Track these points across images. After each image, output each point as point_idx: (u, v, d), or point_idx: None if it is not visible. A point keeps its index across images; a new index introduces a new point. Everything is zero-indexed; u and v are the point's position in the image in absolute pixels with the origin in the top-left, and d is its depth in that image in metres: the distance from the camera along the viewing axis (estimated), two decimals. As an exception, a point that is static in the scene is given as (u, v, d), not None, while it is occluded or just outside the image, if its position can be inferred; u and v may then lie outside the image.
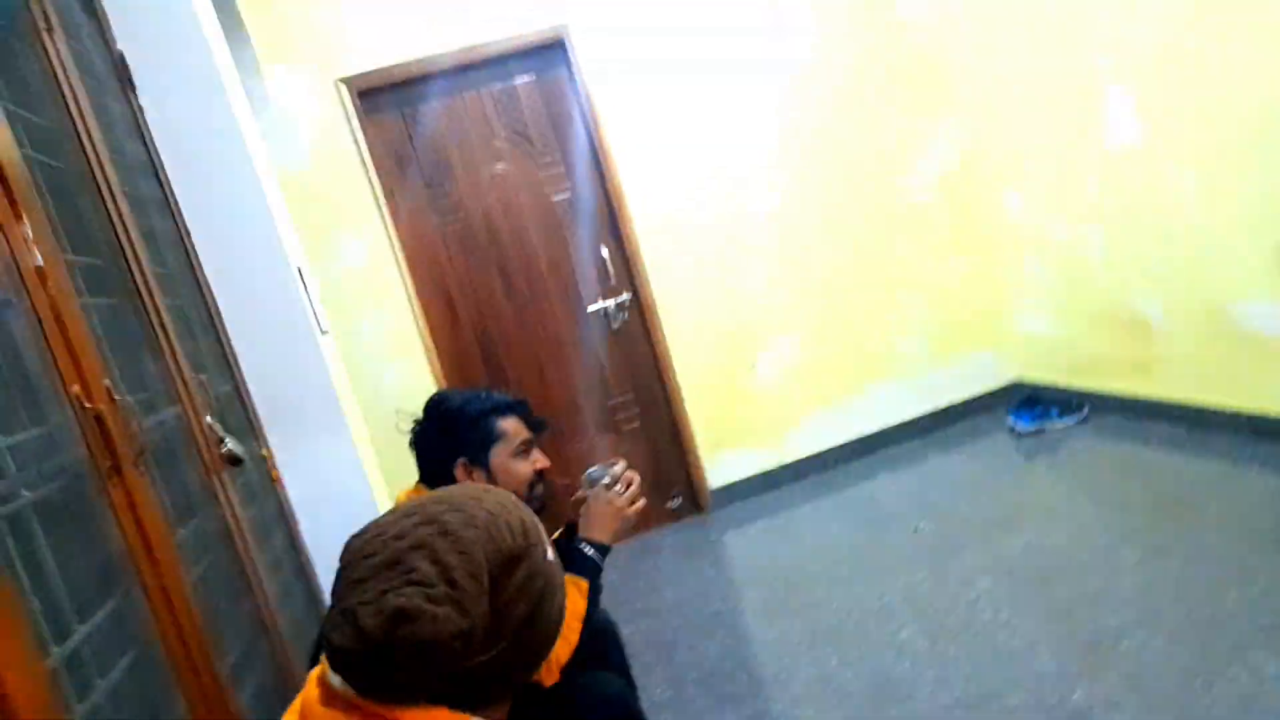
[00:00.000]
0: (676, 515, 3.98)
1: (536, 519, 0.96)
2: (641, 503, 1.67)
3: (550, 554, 0.95)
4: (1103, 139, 3.33)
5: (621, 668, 1.81)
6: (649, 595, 3.27)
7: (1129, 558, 2.56)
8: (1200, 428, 3.27)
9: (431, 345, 3.61)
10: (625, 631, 2.96)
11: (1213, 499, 2.77)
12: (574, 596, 1.57)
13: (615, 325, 3.82)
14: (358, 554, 0.87)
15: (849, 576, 2.96)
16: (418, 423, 1.73)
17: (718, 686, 2.52)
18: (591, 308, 3.79)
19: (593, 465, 1.69)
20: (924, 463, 3.85)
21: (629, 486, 1.66)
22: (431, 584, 0.81)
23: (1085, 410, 3.78)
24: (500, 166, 3.68)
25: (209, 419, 1.67)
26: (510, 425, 1.69)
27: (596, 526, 1.62)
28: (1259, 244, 2.86)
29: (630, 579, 3.47)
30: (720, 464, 3.97)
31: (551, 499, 1.77)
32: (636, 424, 3.90)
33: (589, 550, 1.60)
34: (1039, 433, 3.78)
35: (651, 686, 2.60)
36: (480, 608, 0.83)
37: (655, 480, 3.94)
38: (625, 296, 3.81)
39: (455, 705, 0.84)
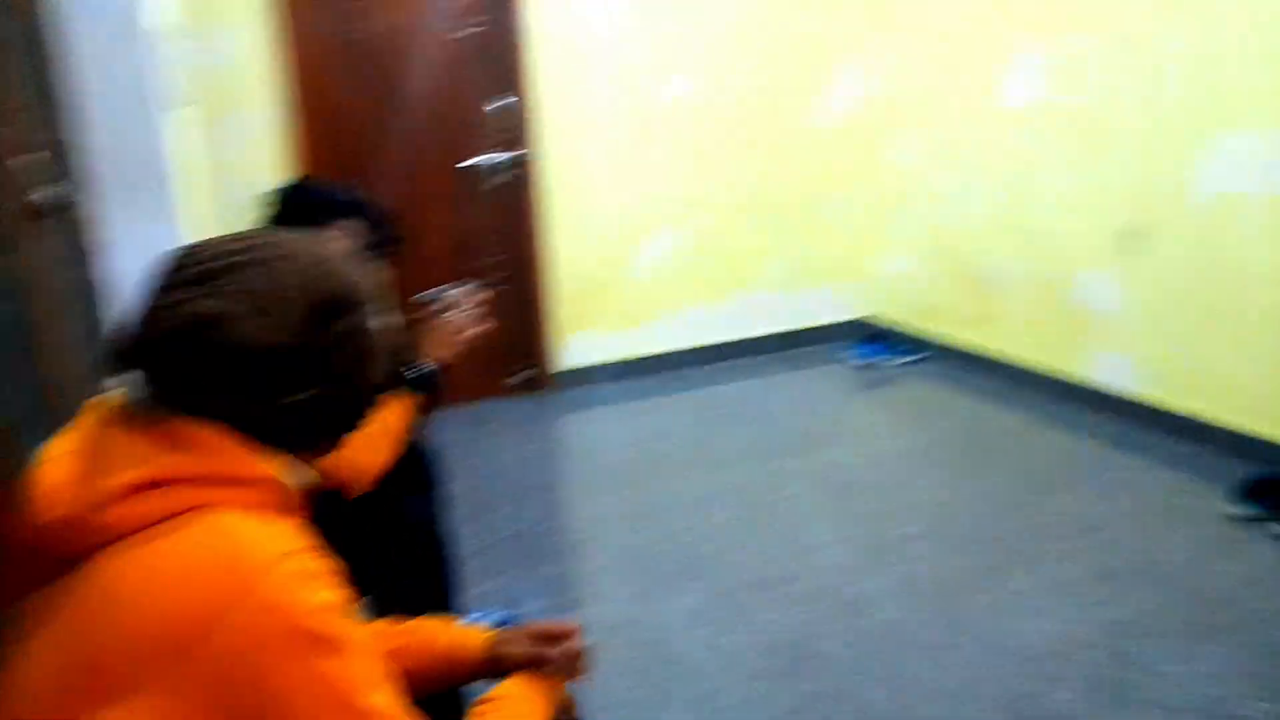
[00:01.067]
0: (519, 390, 3.97)
1: (373, 286, 0.91)
2: (484, 325, 1.64)
3: (379, 322, 0.91)
4: (998, 99, 3.45)
5: (441, 496, 1.81)
6: (473, 458, 3.27)
7: (930, 482, 2.77)
8: (1020, 383, 3.53)
9: (297, 161, 3.39)
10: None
11: (1012, 444, 3.02)
12: (398, 411, 1.53)
13: (499, 181, 3.70)
14: (169, 264, 0.81)
15: (676, 467, 3.05)
16: (267, 202, 1.62)
17: (526, 547, 2.57)
18: (478, 159, 3.66)
19: (433, 288, 1.64)
20: (771, 376, 3.98)
21: (471, 308, 1.62)
22: (236, 301, 0.77)
23: (924, 354, 4.01)
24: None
25: (16, 161, 1.51)
26: (352, 229, 1.60)
27: (433, 345, 1.59)
28: (1106, 221, 3.06)
29: (457, 442, 3.45)
30: (576, 345, 3.97)
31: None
32: (498, 287, 3.83)
33: (422, 369, 1.57)
34: (877, 366, 3.98)
35: (461, 539, 2.62)
36: (284, 338, 0.79)
37: (505, 351, 3.91)
38: (516, 154, 3.68)
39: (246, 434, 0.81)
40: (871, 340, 4.07)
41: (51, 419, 1.57)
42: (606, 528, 2.66)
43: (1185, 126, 2.76)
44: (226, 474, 0.77)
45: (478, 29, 3.52)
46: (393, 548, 1.67)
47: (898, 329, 4.22)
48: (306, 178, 1.71)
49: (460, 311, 1.60)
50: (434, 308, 1.60)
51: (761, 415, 3.49)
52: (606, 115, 3.76)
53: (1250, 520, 2.33)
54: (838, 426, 3.33)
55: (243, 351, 0.77)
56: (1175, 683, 1.74)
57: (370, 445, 1.49)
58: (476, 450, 3.37)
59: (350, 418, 0.89)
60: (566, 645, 1.07)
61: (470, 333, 1.62)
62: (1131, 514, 2.46)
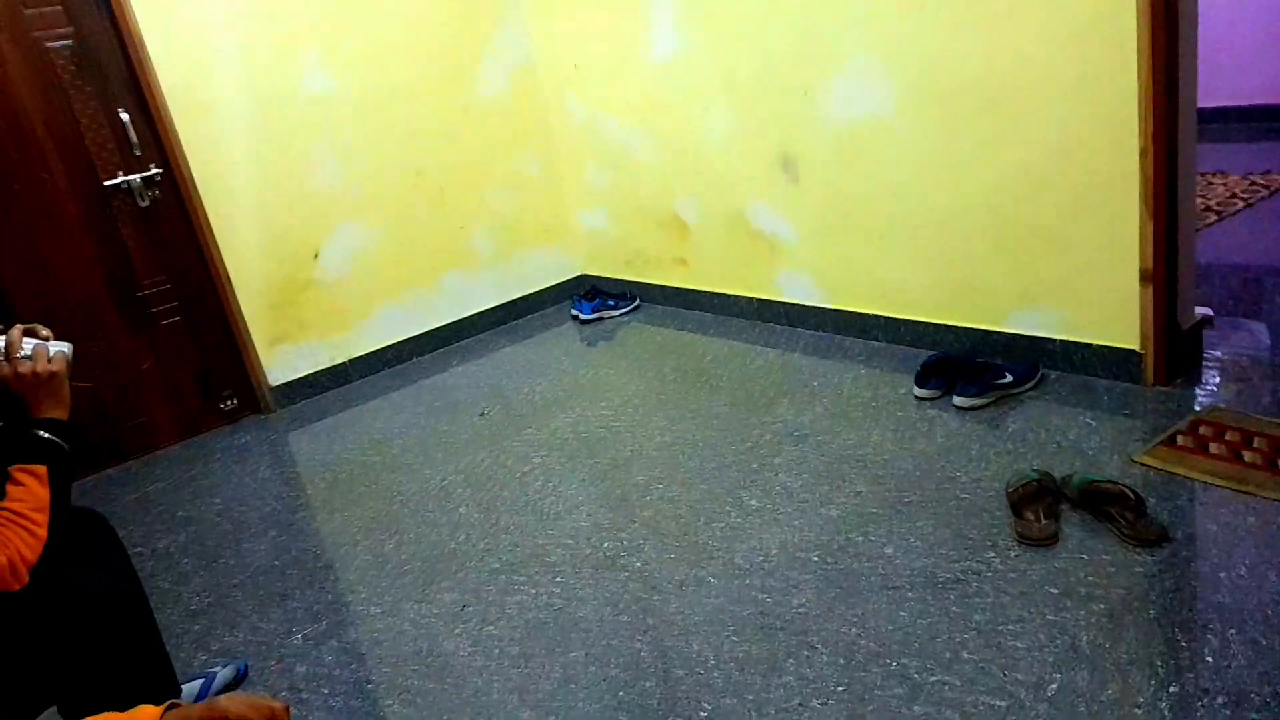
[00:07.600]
0: (232, 417, 3.64)
1: None
2: (64, 348, 1.43)
3: None
4: (648, 51, 3.57)
5: (115, 563, 1.60)
6: (192, 503, 2.97)
7: (659, 424, 2.87)
8: (723, 313, 3.75)
9: None
10: (162, 544, 2.69)
11: (726, 371, 3.20)
12: (32, 487, 1.33)
13: (143, 203, 3.29)
14: None
15: (413, 464, 2.94)
16: None
17: (264, 586, 2.37)
18: (110, 182, 3.22)
19: None
20: (495, 352, 3.94)
21: (37, 350, 1.39)
22: None
23: (636, 300, 4.15)
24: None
25: None
26: None
27: (38, 403, 1.38)
28: (766, 155, 3.29)
29: (171, 489, 3.11)
30: (282, 360, 3.69)
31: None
32: (177, 318, 3.44)
33: (42, 433, 1.36)
34: (598, 321, 4.06)
35: (187, 596, 2.37)
36: None
37: (206, 380, 3.56)
38: (155, 171, 3.28)
39: None
40: (589, 296, 4.14)
41: None
42: (349, 543, 2.52)
43: (809, 58, 3.00)
44: None
45: (68, 41, 3.07)
46: (76, 634, 1.46)
47: (609, 280, 4.32)
48: None
49: (20, 358, 1.38)
50: (14, 367, 1.38)
51: (493, 392, 3.45)
52: (246, 120, 3.44)
53: (933, 400, 2.65)
54: (569, 388, 3.36)
55: None
56: (893, 562, 1.93)
57: (18, 529, 1.30)
58: (200, 489, 3.07)
59: None
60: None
61: (49, 369, 1.39)
62: (836, 414, 2.70)
